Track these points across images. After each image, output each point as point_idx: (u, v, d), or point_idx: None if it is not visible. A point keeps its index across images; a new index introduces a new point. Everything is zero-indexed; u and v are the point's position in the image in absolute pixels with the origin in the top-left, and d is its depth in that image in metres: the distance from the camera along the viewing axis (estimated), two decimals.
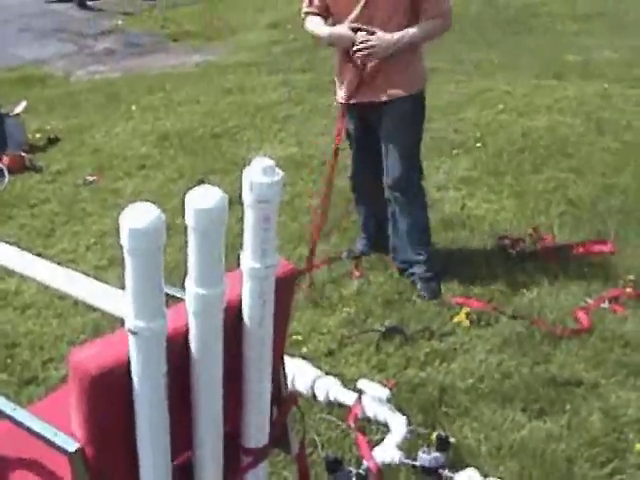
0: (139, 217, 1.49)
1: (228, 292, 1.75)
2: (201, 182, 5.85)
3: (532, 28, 12.59)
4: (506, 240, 4.60)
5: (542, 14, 14.39)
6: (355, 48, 3.87)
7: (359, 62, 3.94)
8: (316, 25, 4.11)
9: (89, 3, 19.06)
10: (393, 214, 4.24)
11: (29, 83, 11.00)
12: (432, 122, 6.86)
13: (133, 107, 8.45)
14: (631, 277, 4.22)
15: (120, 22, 16.79)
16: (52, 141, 7.45)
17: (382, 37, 3.84)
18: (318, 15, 4.13)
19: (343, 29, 3.93)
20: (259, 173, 1.66)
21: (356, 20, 3.91)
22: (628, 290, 4.09)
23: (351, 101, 4.10)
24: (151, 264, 1.55)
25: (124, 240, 1.51)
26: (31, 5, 20.50)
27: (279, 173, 1.68)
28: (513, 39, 11.43)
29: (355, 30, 3.89)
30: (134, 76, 10.82)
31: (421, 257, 4.21)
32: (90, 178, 6.32)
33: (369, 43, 3.84)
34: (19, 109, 7.51)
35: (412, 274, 4.22)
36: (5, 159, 6.63)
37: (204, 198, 1.58)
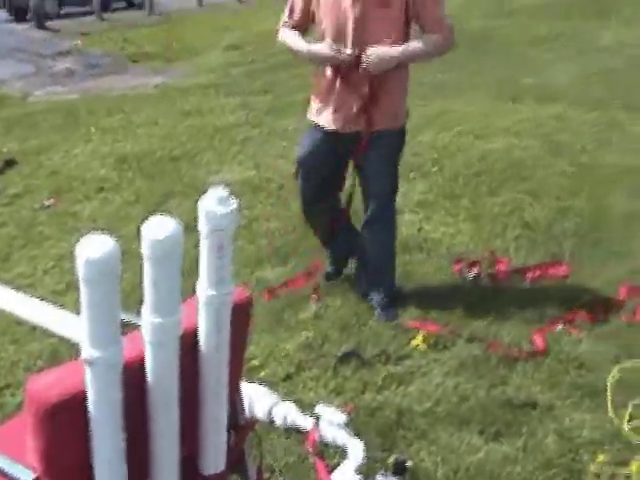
0: (95, 247, 1.50)
1: (184, 319, 1.76)
2: (158, 206, 5.87)
3: (490, 51, 12.74)
4: (462, 263, 4.64)
5: (499, 37, 14.59)
6: (364, 58, 3.71)
7: (360, 77, 3.79)
8: (293, 38, 3.98)
9: (47, 23, 18.99)
10: (362, 241, 4.24)
11: None
12: None
13: (92, 129, 8.42)
14: (586, 299, 4.27)
15: (79, 43, 16.74)
16: (9, 163, 7.39)
17: (382, 48, 3.75)
18: (294, 29, 4.00)
19: (324, 47, 3.80)
20: (214, 202, 1.68)
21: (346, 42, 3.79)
22: (583, 312, 4.13)
23: (341, 130, 3.97)
24: (106, 294, 1.56)
25: (80, 270, 1.52)
26: None
27: (233, 202, 1.70)
28: (471, 61, 11.55)
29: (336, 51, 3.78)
30: (93, 97, 10.79)
31: (384, 285, 4.23)
32: (47, 202, 6.27)
33: (371, 55, 3.72)
34: None
35: (371, 299, 4.24)
36: None
37: (160, 228, 1.59)
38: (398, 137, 4.06)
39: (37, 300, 2.30)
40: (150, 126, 8.39)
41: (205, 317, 1.84)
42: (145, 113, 9.02)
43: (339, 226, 4.36)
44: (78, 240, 1.53)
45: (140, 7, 24.09)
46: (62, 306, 2.24)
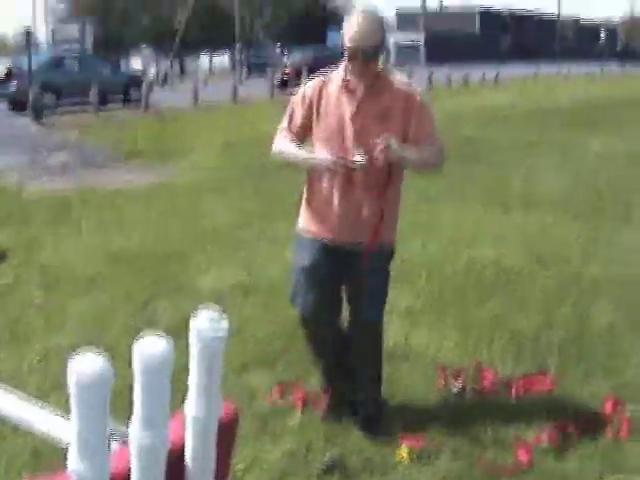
0: (87, 367, 1.53)
1: (172, 434, 1.77)
2: (147, 305, 5.89)
3: (477, 158, 12.99)
4: (448, 373, 4.65)
5: (485, 144, 14.89)
6: (379, 147, 3.65)
7: (364, 186, 3.79)
8: (291, 147, 3.93)
9: (45, 116, 19.30)
10: (349, 354, 4.22)
11: None
12: None
13: (84, 223, 8.49)
14: (571, 413, 4.27)
15: (74, 136, 16.98)
16: (0, 256, 7.43)
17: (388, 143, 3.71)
18: (292, 139, 3.94)
19: (329, 156, 3.76)
20: (205, 323, 1.71)
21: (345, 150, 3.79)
22: (568, 427, 4.13)
23: (335, 240, 3.93)
24: (97, 413, 1.57)
25: (71, 389, 1.54)
26: None
27: (225, 322, 1.73)
28: (461, 169, 11.75)
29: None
30: (86, 192, 10.89)
31: (371, 399, 4.22)
32: (36, 296, 6.29)
33: (380, 146, 3.66)
34: None
35: (356, 412, 4.21)
36: None
37: (151, 348, 1.62)
38: (393, 250, 4.11)
39: (22, 397, 2.30)
40: (142, 223, 8.47)
41: (192, 434, 1.86)
42: (137, 209, 9.12)
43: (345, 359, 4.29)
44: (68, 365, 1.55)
45: (136, 103, 24.57)
46: (47, 405, 2.24)
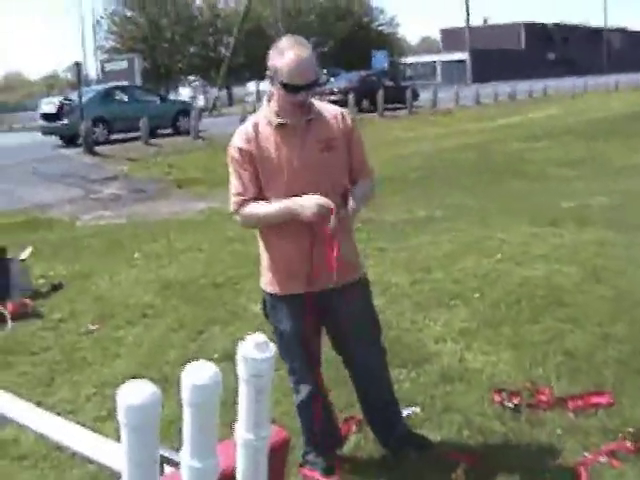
0: (136, 394, 1.55)
1: (222, 461, 1.79)
2: (201, 333, 5.92)
3: (525, 174, 12.90)
4: (503, 393, 4.60)
5: (534, 160, 14.78)
6: (350, 206, 3.56)
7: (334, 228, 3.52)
8: (261, 205, 3.63)
9: (96, 149, 19.60)
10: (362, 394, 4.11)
11: (35, 227, 11.26)
12: (431, 272, 7.00)
13: (136, 254, 8.59)
14: (629, 430, 4.17)
15: (125, 168, 17.21)
16: (55, 287, 7.56)
17: (355, 193, 3.67)
18: (255, 199, 3.65)
19: (309, 199, 3.52)
20: (253, 349, 1.73)
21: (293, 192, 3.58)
22: (627, 444, 4.06)
23: (310, 289, 3.69)
24: (147, 439, 1.60)
25: (121, 416, 1.57)
26: (42, 148, 21.09)
27: (272, 348, 1.75)
28: (508, 185, 11.70)
29: None
30: (138, 222, 11.04)
31: (396, 422, 4.14)
32: (92, 326, 6.38)
33: (351, 203, 3.58)
34: (25, 255, 7.65)
35: (387, 443, 4.11)
36: (9, 306, 6.72)
37: (200, 374, 1.64)
38: (367, 280, 4.00)
39: (78, 426, 2.34)
40: (193, 252, 8.55)
41: (243, 460, 1.87)
42: (189, 238, 9.20)
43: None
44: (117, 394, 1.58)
45: (186, 132, 24.85)
46: (103, 433, 2.28)
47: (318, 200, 3.49)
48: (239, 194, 3.66)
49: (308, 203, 3.50)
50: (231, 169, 3.71)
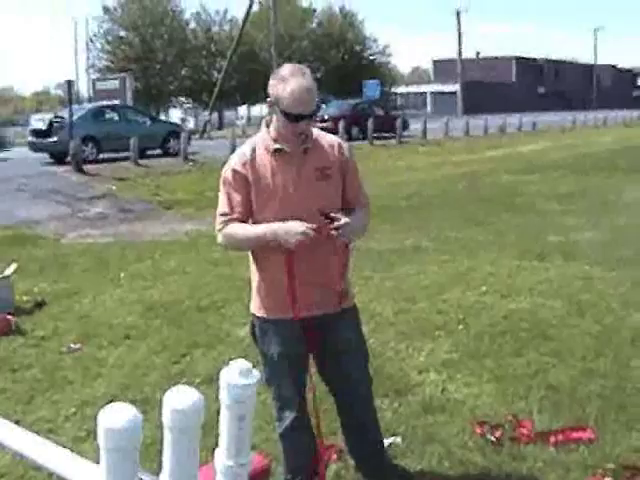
0: (117, 417, 1.54)
1: None
2: (184, 356, 5.89)
3: (515, 207, 12.95)
4: (485, 426, 4.59)
5: (523, 192, 14.85)
6: (334, 226, 3.48)
7: (324, 254, 3.57)
8: (244, 227, 3.61)
9: (85, 167, 19.58)
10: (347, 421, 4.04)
11: (21, 243, 11.21)
12: (416, 302, 7.01)
13: (122, 274, 8.56)
14: (610, 466, 4.18)
15: (114, 187, 17.18)
16: (39, 305, 7.52)
17: (352, 218, 3.59)
18: (241, 221, 3.62)
19: (294, 225, 3.47)
20: (236, 374, 1.72)
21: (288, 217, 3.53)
22: (608, 478, 4.05)
23: (305, 314, 3.60)
24: (126, 462, 1.58)
25: (101, 438, 1.55)
26: (30, 165, 21.05)
27: (255, 375, 1.74)
28: (497, 217, 11.74)
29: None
30: (124, 242, 11.02)
31: (381, 451, 4.08)
32: (74, 345, 6.34)
33: (341, 221, 3.49)
34: (9, 271, 7.61)
35: (380, 468, 4.03)
36: None
37: (182, 398, 1.63)
38: (357, 308, 3.97)
39: (57, 446, 2.31)
40: (179, 274, 8.54)
41: None
42: (175, 260, 9.20)
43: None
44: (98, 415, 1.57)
45: (175, 155, 24.86)
46: (82, 454, 2.25)
47: (302, 227, 3.44)
48: (225, 214, 3.64)
49: (294, 230, 3.45)
50: (222, 190, 3.68)
